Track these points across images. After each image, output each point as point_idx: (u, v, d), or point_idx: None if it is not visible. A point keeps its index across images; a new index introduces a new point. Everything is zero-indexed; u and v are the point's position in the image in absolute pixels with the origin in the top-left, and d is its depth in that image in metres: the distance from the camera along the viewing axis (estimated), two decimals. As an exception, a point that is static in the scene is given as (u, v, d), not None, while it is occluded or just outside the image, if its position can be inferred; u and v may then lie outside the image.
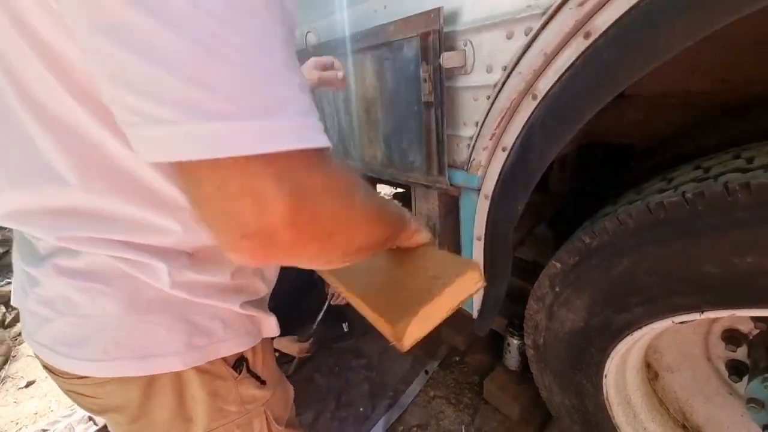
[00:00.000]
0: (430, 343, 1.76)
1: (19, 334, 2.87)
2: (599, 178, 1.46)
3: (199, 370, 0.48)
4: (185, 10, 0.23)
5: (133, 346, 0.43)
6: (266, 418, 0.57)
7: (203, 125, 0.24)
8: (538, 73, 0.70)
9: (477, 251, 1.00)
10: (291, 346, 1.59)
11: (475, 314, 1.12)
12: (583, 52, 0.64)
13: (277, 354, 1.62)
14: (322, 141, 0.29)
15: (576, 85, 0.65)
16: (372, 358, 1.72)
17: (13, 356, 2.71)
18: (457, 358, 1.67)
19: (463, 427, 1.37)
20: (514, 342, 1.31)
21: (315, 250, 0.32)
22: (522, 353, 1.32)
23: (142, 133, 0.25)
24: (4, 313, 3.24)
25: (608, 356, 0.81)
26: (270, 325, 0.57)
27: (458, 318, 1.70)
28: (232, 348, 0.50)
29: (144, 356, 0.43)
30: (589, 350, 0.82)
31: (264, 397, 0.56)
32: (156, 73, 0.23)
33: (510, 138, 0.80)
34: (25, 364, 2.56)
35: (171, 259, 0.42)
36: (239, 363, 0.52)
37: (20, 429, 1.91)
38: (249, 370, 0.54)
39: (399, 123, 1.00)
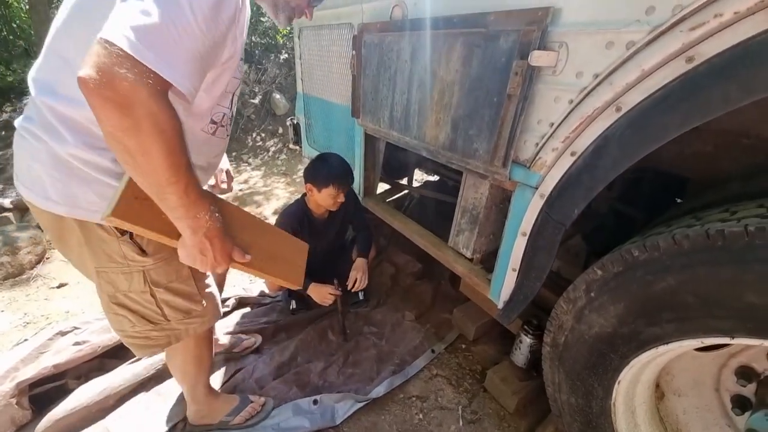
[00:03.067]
0: (441, 325, 1.84)
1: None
2: (644, 204, 1.48)
3: (85, 222, 0.75)
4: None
5: (48, 193, 0.71)
6: (144, 277, 0.81)
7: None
8: (630, 87, 0.74)
9: (519, 245, 1.05)
10: (321, 291, 1.68)
11: (500, 305, 1.18)
12: (681, 75, 0.67)
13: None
14: (174, 81, 0.57)
15: (666, 105, 0.69)
16: (383, 328, 1.81)
17: (47, 258, 2.92)
18: (464, 345, 1.74)
19: (459, 407, 1.45)
20: (527, 340, 1.37)
21: (105, 120, 0.53)
22: (532, 352, 1.38)
23: (111, 24, 0.53)
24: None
25: (627, 364, 0.86)
26: None
27: (472, 308, 1.78)
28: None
29: (54, 201, 0.72)
30: (610, 356, 0.88)
31: (143, 261, 0.80)
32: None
33: (583, 144, 0.84)
34: (58, 267, 2.75)
35: (76, 132, 0.69)
36: (125, 231, 0.75)
37: (50, 323, 2.09)
38: (131, 239, 0.77)
39: (473, 109, 1.04)
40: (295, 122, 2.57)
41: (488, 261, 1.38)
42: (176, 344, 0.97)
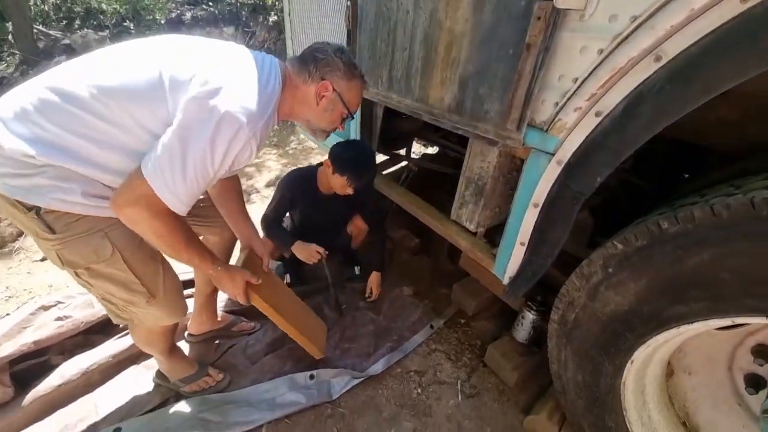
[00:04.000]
0: (440, 300, 1.80)
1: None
2: (658, 176, 1.39)
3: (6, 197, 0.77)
4: (188, 157, 0.74)
5: None
6: (57, 256, 0.84)
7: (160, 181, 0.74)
8: (674, 31, 0.63)
9: (530, 218, 0.97)
10: (307, 250, 1.59)
11: (505, 280, 1.12)
12: (740, 15, 0.56)
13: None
14: (178, 209, 0.78)
15: (722, 49, 0.58)
16: (380, 303, 1.76)
17: (30, 231, 2.79)
18: (463, 321, 1.71)
19: (459, 381, 1.43)
20: (530, 316, 1.33)
21: (135, 229, 0.80)
22: (534, 328, 1.34)
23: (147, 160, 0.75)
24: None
25: (643, 344, 0.81)
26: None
27: (472, 283, 1.73)
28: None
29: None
30: (625, 335, 0.82)
31: (51, 239, 0.82)
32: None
33: (611, 101, 0.74)
34: (41, 241, 2.63)
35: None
36: (35, 210, 0.78)
37: (33, 297, 2.01)
38: (38, 215, 0.78)
39: (485, 65, 0.93)
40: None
41: (493, 235, 1.31)
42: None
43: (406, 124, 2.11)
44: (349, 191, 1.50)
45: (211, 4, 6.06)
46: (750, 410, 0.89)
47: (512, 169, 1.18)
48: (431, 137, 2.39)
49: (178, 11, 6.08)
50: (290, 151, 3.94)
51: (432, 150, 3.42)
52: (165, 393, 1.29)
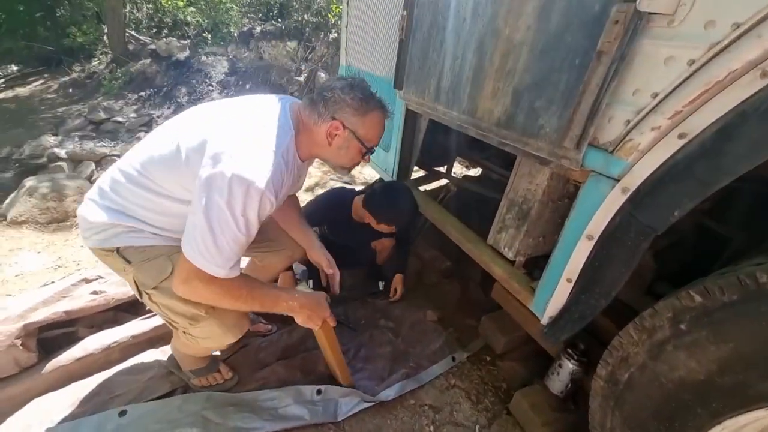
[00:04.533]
0: (466, 331, 1.65)
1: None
2: (739, 222, 1.19)
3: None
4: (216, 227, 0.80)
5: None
6: (134, 281, 0.98)
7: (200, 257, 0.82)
8: (796, 39, 0.51)
9: (581, 251, 0.84)
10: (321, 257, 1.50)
11: (544, 320, 0.98)
12: None
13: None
14: (219, 273, 0.84)
15: None
16: (401, 325, 1.65)
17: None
18: (489, 358, 1.54)
19: (477, 427, 1.27)
20: (569, 366, 1.16)
21: (196, 300, 0.91)
22: (573, 380, 1.16)
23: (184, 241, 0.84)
24: (93, 170, 3.63)
25: (717, 424, 0.64)
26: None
27: (504, 318, 1.57)
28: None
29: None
30: (696, 410, 0.66)
31: (129, 268, 0.97)
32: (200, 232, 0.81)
33: (701, 122, 0.62)
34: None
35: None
36: (116, 250, 0.96)
37: (80, 269, 2.15)
38: (118, 253, 0.96)
39: (545, 76, 0.84)
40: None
41: (532, 268, 1.17)
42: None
43: (449, 138, 2.04)
44: (383, 230, 1.46)
45: (279, 20, 6.52)
46: None
47: (563, 196, 1.06)
48: (475, 157, 2.29)
49: (250, 26, 6.60)
50: (332, 161, 4.01)
51: (474, 172, 3.30)
52: (175, 382, 1.27)
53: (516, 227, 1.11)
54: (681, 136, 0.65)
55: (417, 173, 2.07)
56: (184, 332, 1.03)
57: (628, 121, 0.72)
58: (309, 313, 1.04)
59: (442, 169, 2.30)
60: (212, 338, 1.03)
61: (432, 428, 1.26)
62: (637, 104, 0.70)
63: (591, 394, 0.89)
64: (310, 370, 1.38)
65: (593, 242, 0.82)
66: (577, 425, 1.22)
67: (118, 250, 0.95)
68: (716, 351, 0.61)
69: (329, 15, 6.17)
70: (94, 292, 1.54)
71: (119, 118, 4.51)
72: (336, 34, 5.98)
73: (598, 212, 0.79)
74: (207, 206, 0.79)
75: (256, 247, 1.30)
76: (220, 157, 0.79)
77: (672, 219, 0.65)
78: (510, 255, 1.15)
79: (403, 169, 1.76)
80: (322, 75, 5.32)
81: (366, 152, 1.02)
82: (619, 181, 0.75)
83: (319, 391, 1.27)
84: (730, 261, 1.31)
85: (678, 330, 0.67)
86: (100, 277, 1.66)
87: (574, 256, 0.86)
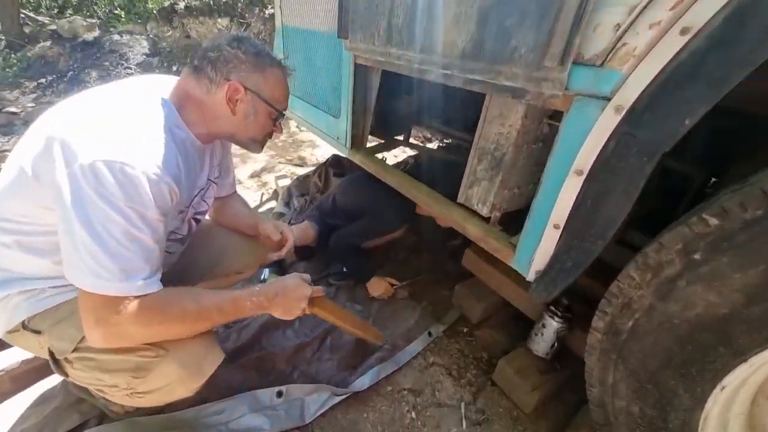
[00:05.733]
0: (439, 304, 1.54)
1: None
2: (695, 156, 1.17)
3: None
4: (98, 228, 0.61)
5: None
6: (50, 351, 0.77)
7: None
8: None
9: (569, 191, 0.73)
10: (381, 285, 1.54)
11: (530, 275, 0.87)
12: None
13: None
14: (127, 291, 0.64)
15: None
16: (369, 306, 1.50)
17: None
18: (466, 329, 1.45)
19: (462, 404, 1.17)
20: (553, 324, 1.08)
21: (129, 343, 0.71)
22: (559, 339, 1.09)
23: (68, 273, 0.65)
24: None
25: (743, 362, 0.56)
26: None
27: (478, 285, 1.48)
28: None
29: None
30: (717, 350, 0.58)
31: (42, 339, 0.76)
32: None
33: (706, 10, 0.51)
34: None
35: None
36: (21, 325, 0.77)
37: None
38: (26, 328, 0.77)
39: (517, -20, 0.69)
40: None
41: (507, 225, 1.07)
42: None
43: (404, 104, 1.88)
44: None
45: (206, -6, 5.85)
46: None
47: (538, 139, 0.95)
48: (433, 124, 2.17)
49: (172, 1, 5.86)
50: (279, 144, 3.69)
51: (433, 146, 3.20)
52: (86, 411, 1.00)
53: (489, 178, 0.99)
54: (684, 31, 0.54)
55: (372, 143, 1.89)
56: (129, 395, 0.77)
57: (619, 25, 0.60)
58: (283, 302, 0.84)
59: (400, 138, 2.15)
60: (172, 386, 0.77)
61: (414, 414, 1.13)
62: (628, 2, 0.58)
63: (587, 350, 0.80)
64: (267, 370, 1.18)
65: (583, 178, 0.70)
66: (566, 384, 1.17)
67: (23, 324, 0.75)
68: (742, 278, 0.53)
69: (263, -10, 5.65)
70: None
71: (13, 109, 3.78)
72: (272, 10, 5.50)
73: (588, 141, 0.68)
74: (76, 208, 0.60)
75: (209, 277, 1.09)
76: (73, 150, 0.61)
77: (682, 130, 0.55)
78: (485, 211, 1.03)
79: (358, 135, 1.57)
80: (260, 54, 4.86)
81: (277, 117, 0.87)
82: (610, 99, 0.63)
83: (279, 393, 1.08)
84: (697, 200, 1.31)
85: (691, 262, 0.58)
86: None
87: (562, 198, 0.75)
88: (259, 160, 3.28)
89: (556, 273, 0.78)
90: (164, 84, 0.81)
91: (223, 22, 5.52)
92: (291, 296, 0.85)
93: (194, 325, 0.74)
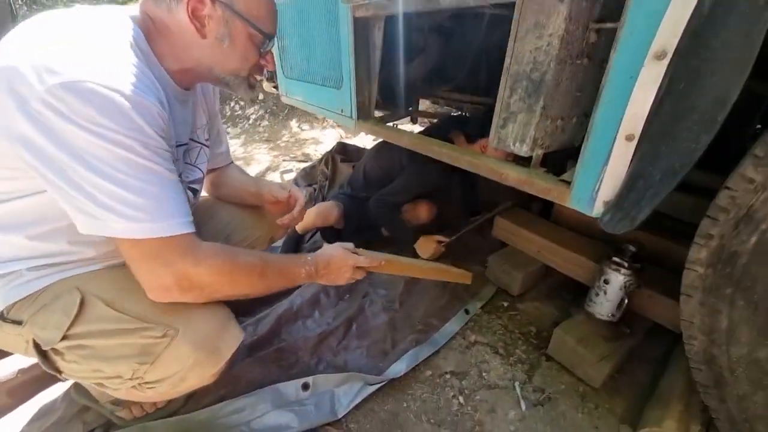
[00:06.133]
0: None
1: None
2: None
3: None
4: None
5: None
6: (35, 342, 0.64)
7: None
8: None
9: (646, 86, 0.57)
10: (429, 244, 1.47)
11: (597, 208, 0.70)
12: None
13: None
14: (176, 230, 0.56)
15: None
16: (394, 289, 1.34)
17: None
18: (506, 303, 1.28)
19: (516, 384, 1.00)
20: (618, 278, 0.91)
21: (199, 296, 0.62)
22: (628, 294, 0.92)
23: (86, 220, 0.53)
24: None
25: None
26: None
27: (515, 254, 1.32)
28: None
29: None
30: None
31: (24, 330, 0.64)
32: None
33: None
34: None
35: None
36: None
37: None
38: (4, 319, 0.65)
39: None
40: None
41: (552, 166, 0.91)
42: None
43: (407, 73, 1.74)
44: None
45: None
46: None
47: (582, 53, 0.79)
48: (442, 93, 2.02)
49: None
50: (282, 144, 3.59)
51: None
52: (91, 421, 0.87)
53: (527, 108, 0.83)
54: None
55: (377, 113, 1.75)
56: (136, 386, 0.65)
57: None
58: (329, 273, 0.79)
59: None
60: (185, 372, 0.65)
61: (461, 399, 0.97)
62: None
63: (683, 294, 0.63)
64: (290, 363, 1.03)
65: (666, 61, 0.54)
66: (640, 351, 0.99)
67: (2, 316, 0.64)
68: None
69: None
70: None
71: None
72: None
73: (671, 9, 0.52)
74: (60, 149, 0.48)
75: None
76: (29, 80, 0.47)
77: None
78: (524, 150, 0.87)
79: (363, 103, 1.43)
80: (255, 59, 4.82)
81: (263, 41, 0.69)
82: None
83: (306, 386, 0.93)
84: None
85: None
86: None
87: (637, 95, 0.59)
88: (263, 160, 3.18)
89: (638, 194, 0.62)
90: (127, 13, 0.66)
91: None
92: (335, 268, 0.79)
93: (258, 281, 0.66)
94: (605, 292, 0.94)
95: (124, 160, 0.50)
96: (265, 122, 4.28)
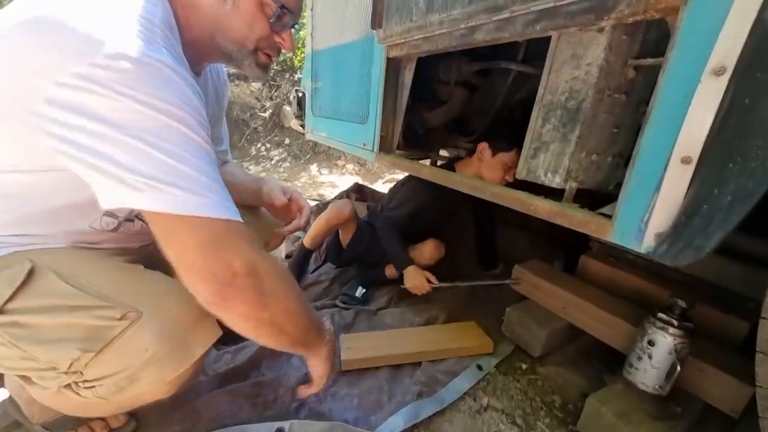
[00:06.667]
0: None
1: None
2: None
3: None
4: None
5: None
6: None
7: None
8: None
9: (705, 102, 0.52)
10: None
11: (646, 243, 0.61)
12: None
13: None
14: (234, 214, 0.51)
15: None
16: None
17: None
18: (524, 365, 1.11)
19: (538, 466, 0.80)
20: (666, 339, 0.77)
21: (260, 305, 0.52)
22: (681, 358, 0.76)
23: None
24: None
25: None
26: None
27: (536, 309, 1.18)
28: None
29: None
30: None
31: None
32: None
33: None
34: None
35: None
36: None
37: None
38: None
39: None
40: (300, 94, 2.24)
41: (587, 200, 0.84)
42: None
43: (433, 117, 1.78)
44: (510, 178, 1.34)
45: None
46: None
47: (621, 88, 0.77)
48: (462, 144, 2.04)
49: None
50: (299, 184, 3.66)
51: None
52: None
53: (562, 137, 0.79)
54: None
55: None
56: (71, 385, 0.53)
57: None
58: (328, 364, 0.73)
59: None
60: (136, 371, 0.52)
61: (470, 477, 0.78)
62: None
63: (759, 351, 0.50)
64: (267, 402, 0.87)
65: (726, 77, 0.50)
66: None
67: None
68: None
69: (294, 60, 6.26)
70: None
71: None
72: (300, 74, 6.02)
73: (729, 23, 0.49)
74: (106, 118, 0.42)
75: None
76: (89, 46, 0.42)
77: None
78: (556, 181, 0.81)
79: (386, 137, 1.44)
80: (287, 108, 5.18)
81: (280, 15, 0.61)
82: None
83: (280, 431, 0.76)
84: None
85: None
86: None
87: (693, 114, 0.53)
88: (278, 196, 3.20)
89: (704, 220, 0.53)
90: None
91: (256, 85, 6.03)
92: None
93: (297, 309, 0.59)
94: (650, 356, 0.79)
95: (171, 130, 0.46)
96: (287, 164, 4.43)
